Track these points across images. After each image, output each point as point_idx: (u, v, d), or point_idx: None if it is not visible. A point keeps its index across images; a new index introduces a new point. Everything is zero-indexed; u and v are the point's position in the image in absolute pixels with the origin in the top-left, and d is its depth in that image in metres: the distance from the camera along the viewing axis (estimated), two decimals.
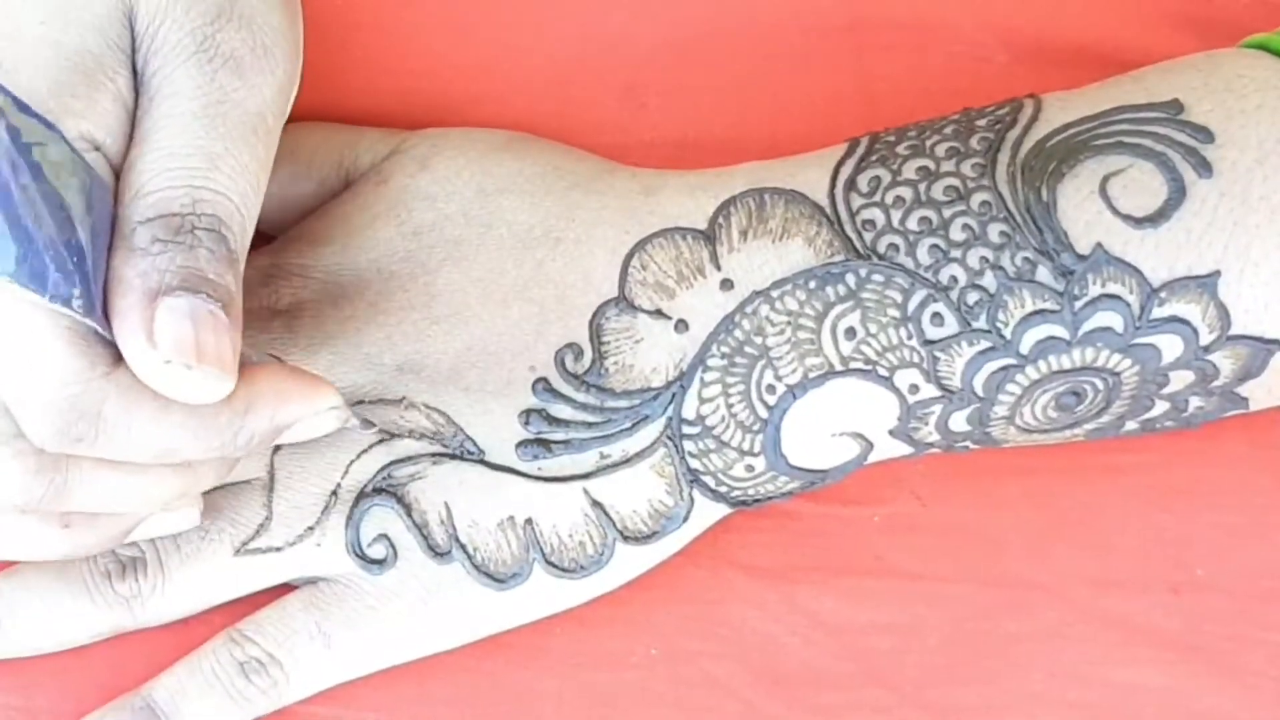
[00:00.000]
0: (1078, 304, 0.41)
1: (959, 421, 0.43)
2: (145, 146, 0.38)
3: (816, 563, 0.46)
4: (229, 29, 0.39)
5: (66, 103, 0.37)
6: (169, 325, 0.36)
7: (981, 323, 0.42)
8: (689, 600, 0.45)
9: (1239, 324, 0.41)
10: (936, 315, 0.42)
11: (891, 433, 0.43)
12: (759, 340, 0.43)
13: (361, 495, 0.43)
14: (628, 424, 0.43)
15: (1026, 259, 0.41)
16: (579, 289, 0.44)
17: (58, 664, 0.44)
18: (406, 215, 0.45)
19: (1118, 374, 0.42)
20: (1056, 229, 0.41)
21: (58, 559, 0.41)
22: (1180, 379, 0.42)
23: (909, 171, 0.43)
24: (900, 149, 0.43)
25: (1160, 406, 0.43)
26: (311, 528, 0.43)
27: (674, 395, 0.43)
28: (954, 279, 0.42)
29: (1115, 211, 0.41)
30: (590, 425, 0.43)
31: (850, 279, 0.42)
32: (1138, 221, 0.41)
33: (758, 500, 0.44)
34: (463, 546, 0.43)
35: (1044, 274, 0.41)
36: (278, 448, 0.44)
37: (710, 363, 0.43)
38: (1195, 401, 0.43)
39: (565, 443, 0.43)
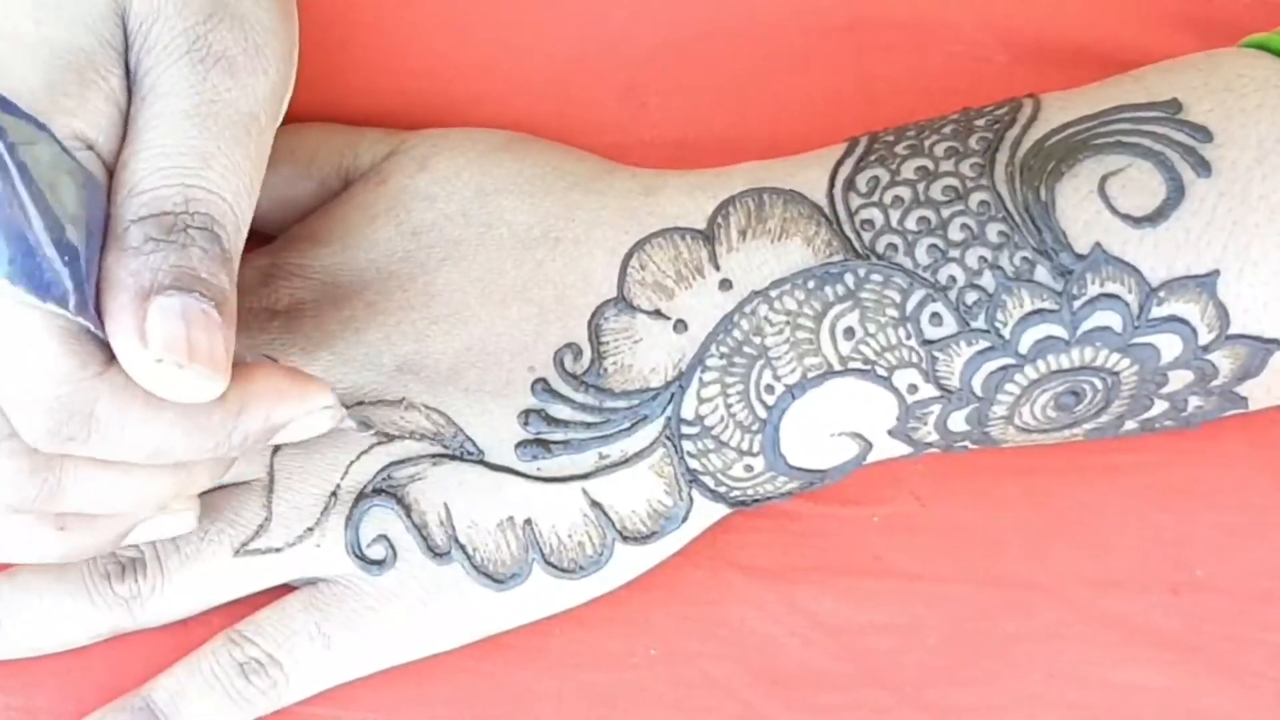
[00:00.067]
0: (1076, 303, 0.41)
1: (958, 421, 0.43)
2: (138, 145, 0.38)
3: (815, 563, 0.46)
4: (221, 28, 0.39)
5: (58, 101, 0.37)
6: (161, 324, 0.36)
7: (980, 322, 0.42)
8: (688, 601, 0.45)
9: (1238, 323, 0.41)
10: (935, 315, 0.42)
11: (890, 433, 0.43)
12: (758, 340, 0.43)
13: (361, 496, 0.43)
14: (627, 424, 0.43)
15: (1025, 258, 0.41)
16: (578, 289, 0.44)
17: (58, 665, 0.44)
18: (406, 215, 0.45)
19: (1116, 373, 0.42)
20: (1055, 228, 0.41)
21: (55, 561, 0.41)
22: (1179, 378, 0.42)
23: (908, 171, 0.43)
24: (899, 149, 0.43)
25: (1159, 406, 0.43)
26: (311, 528, 0.43)
27: (673, 395, 0.43)
28: (953, 279, 0.42)
29: (1114, 211, 0.41)
30: (589, 425, 0.43)
31: (849, 279, 0.42)
32: (1136, 221, 0.41)
33: (757, 500, 0.44)
34: (462, 547, 0.43)
35: (1042, 273, 0.41)
36: (277, 448, 0.44)
37: (709, 363, 0.43)
38: (1194, 401, 0.43)
39: (564, 443, 0.43)
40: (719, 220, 0.44)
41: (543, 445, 0.43)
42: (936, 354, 0.42)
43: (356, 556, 0.43)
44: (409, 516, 0.43)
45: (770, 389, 0.43)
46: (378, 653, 0.44)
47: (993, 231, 0.42)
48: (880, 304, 0.42)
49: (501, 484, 0.43)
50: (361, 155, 0.47)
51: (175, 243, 0.37)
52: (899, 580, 0.45)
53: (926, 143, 0.43)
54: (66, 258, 0.35)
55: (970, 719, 0.44)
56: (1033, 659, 0.45)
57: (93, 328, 0.36)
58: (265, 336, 0.44)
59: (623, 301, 0.43)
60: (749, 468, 0.43)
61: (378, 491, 0.43)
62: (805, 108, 0.49)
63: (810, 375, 0.43)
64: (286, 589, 0.44)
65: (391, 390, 0.44)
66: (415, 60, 0.49)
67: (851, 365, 0.43)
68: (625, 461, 0.43)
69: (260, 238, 0.47)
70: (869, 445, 0.44)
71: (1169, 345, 0.41)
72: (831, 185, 0.43)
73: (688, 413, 0.43)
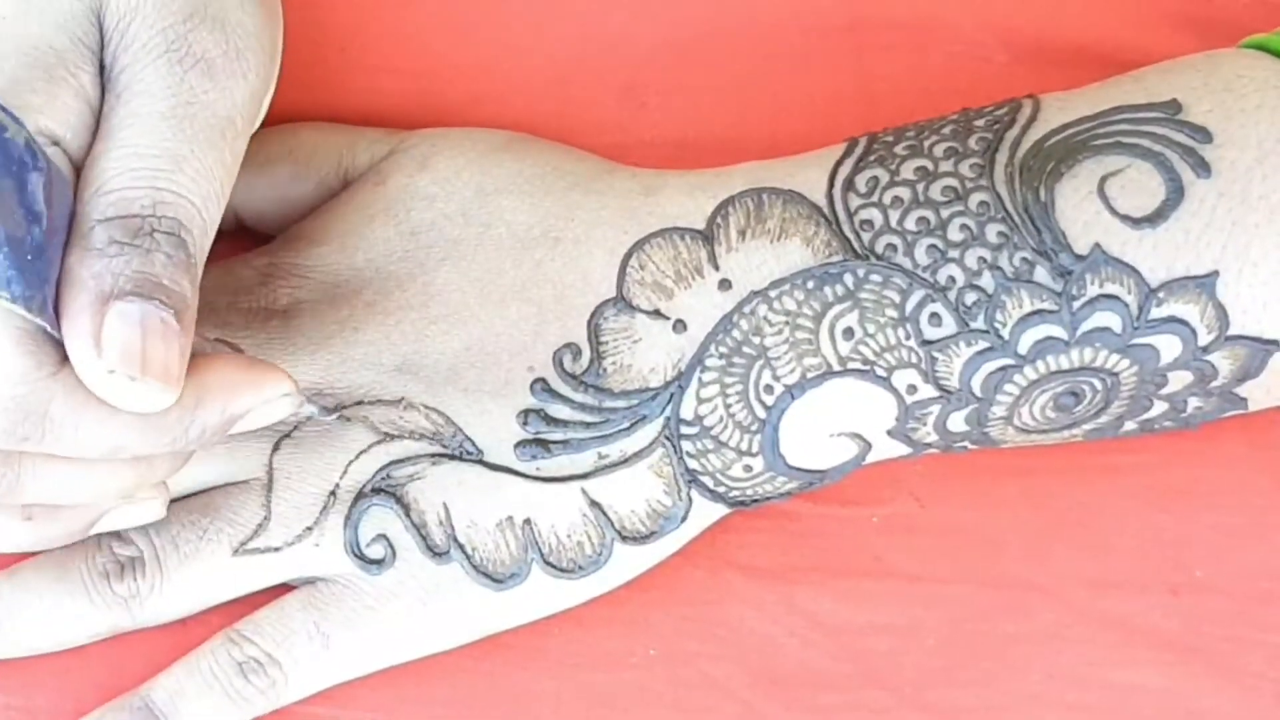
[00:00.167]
0: (1076, 304, 0.41)
1: (957, 422, 0.43)
2: (109, 143, 0.37)
3: (815, 563, 0.46)
4: (201, 30, 0.39)
5: (25, 98, 0.37)
6: (118, 330, 0.35)
7: (979, 323, 0.42)
8: (687, 601, 0.45)
9: (1237, 324, 0.41)
10: (934, 315, 0.42)
11: (889, 433, 0.43)
12: (757, 340, 0.43)
13: (360, 495, 0.43)
14: (626, 424, 0.43)
15: (1024, 259, 0.41)
16: (577, 289, 0.44)
17: (57, 664, 0.44)
18: (405, 215, 0.45)
19: (1116, 374, 0.42)
20: (1054, 229, 0.41)
21: (26, 549, 0.41)
22: (1179, 379, 0.42)
23: (907, 172, 0.43)
24: (898, 149, 0.43)
25: (1159, 407, 0.43)
26: (310, 528, 0.43)
27: (672, 395, 0.43)
28: (952, 279, 0.42)
29: (1113, 212, 0.41)
30: (588, 425, 0.43)
31: (848, 279, 0.42)
32: (1136, 222, 0.41)
33: (756, 500, 0.44)
34: (461, 547, 0.43)
35: (1042, 274, 0.41)
36: (276, 447, 0.44)
37: (708, 363, 0.43)
38: (1194, 402, 0.43)
39: (563, 443, 0.43)
40: (718, 220, 0.44)
41: (542, 445, 0.43)
42: (936, 354, 0.42)
43: (355, 556, 0.43)
44: (408, 516, 0.43)
45: (769, 389, 0.43)
46: (376, 652, 0.44)
47: (992, 232, 0.42)
48: (879, 304, 0.42)
49: (500, 484, 0.43)
50: (360, 155, 0.47)
51: (140, 247, 0.36)
52: (898, 581, 0.45)
53: (926, 143, 0.43)
54: (29, 256, 0.34)
55: (969, 719, 0.44)
56: (1032, 660, 0.45)
57: (50, 328, 0.35)
58: (263, 336, 0.44)
59: (622, 301, 0.43)
60: (748, 468, 0.43)
61: (377, 491, 0.43)
62: (805, 108, 0.49)
63: (809, 375, 0.43)
64: (285, 588, 0.44)
65: (390, 390, 0.44)
66: (415, 60, 0.49)
67: (851, 365, 0.42)
68: (624, 461, 0.43)
69: (259, 237, 0.47)
70: (868, 445, 0.44)
71: (1168, 346, 0.41)
72: (831, 185, 0.43)
73: (687, 413, 0.43)
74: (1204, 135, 0.41)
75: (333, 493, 0.43)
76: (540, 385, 0.43)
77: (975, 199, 0.42)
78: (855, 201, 0.43)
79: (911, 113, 0.45)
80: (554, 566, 0.43)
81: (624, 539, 0.44)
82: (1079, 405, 0.42)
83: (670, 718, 0.44)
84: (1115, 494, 0.46)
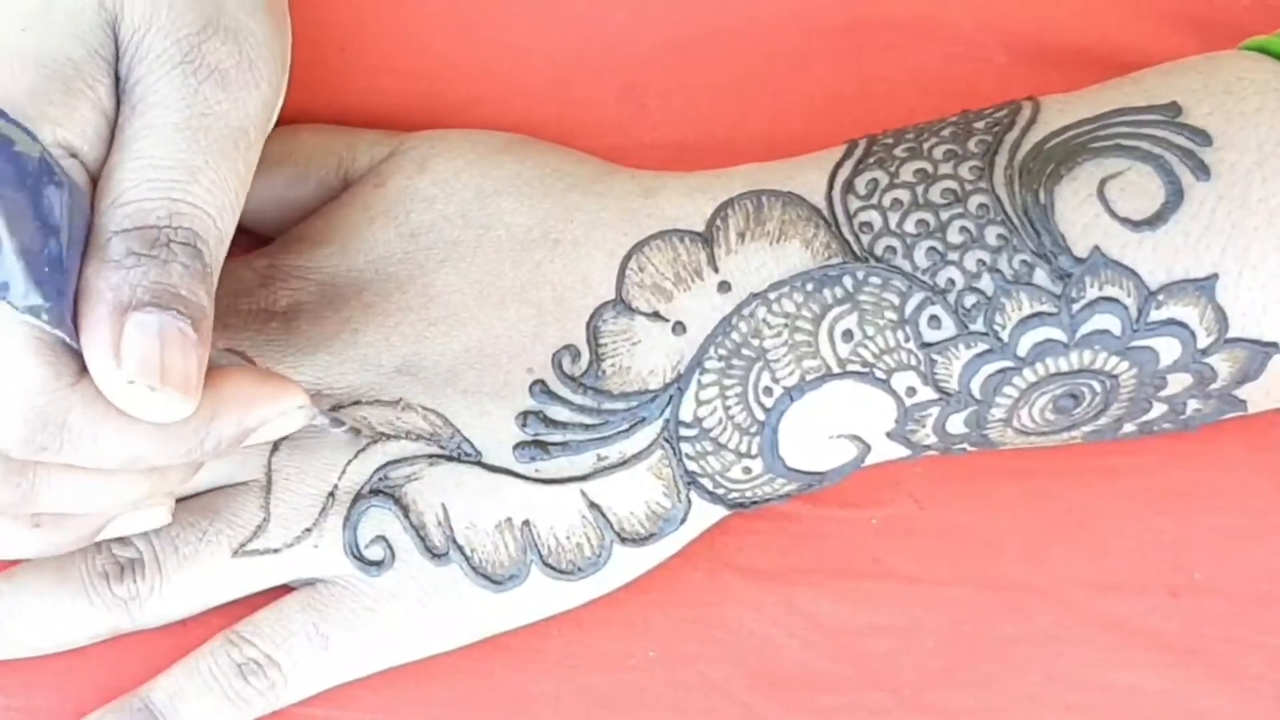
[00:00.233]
0: (1075, 307, 0.41)
1: (956, 424, 0.43)
2: (125, 155, 0.38)
3: (814, 565, 0.46)
4: (215, 41, 0.39)
5: (43, 110, 0.37)
6: (136, 341, 0.36)
7: (979, 325, 0.41)
8: (686, 602, 0.45)
9: (1237, 327, 0.41)
10: (934, 318, 0.42)
11: (889, 435, 0.43)
12: (756, 342, 0.43)
13: (359, 497, 0.43)
14: (625, 426, 0.43)
15: (1024, 261, 0.41)
16: (577, 291, 0.44)
17: (57, 665, 0.44)
18: (405, 217, 0.45)
19: (1115, 376, 0.42)
20: (1054, 231, 0.41)
21: (31, 556, 0.41)
22: (1178, 382, 0.42)
23: (907, 174, 0.43)
24: (898, 151, 0.43)
25: (1158, 409, 0.43)
26: (309, 529, 0.43)
27: (671, 397, 0.43)
28: (951, 281, 0.42)
29: (1113, 214, 0.41)
30: (587, 427, 0.43)
31: (847, 281, 0.42)
32: (1135, 224, 0.41)
33: (755, 502, 0.44)
34: (460, 548, 0.43)
35: (1041, 276, 0.41)
36: (275, 449, 0.44)
37: (707, 365, 0.43)
38: (1193, 404, 0.43)
39: (562, 444, 0.43)
40: (718, 222, 0.44)
41: (541, 447, 0.43)
42: (935, 356, 0.42)
43: (355, 557, 0.43)
44: (407, 517, 0.43)
45: (769, 391, 0.43)
46: (376, 654, 0.44)
47: (991, 234, 0.41)
48: (879, 306, 0.42)
49: (499, 485, 0.43)
50: (360, 157, 0.47)
51: (157, 258, 0.36)
52: (897, 582, 0.45)
53: (925, 145, 0.43)
54: (47, 268, 0.34)
55: None
56: (1031, 661, 0.45)
57: (68, 339, 0.36)
58: (263, 337, 0.44)
59: (621, 303, 0.43)
60: (747, 470, 0.43)
61: (375, 492, 0.43)
62: (805, 108, 0.49)
63: (809, 377, 0.43)
64: (285, 590, 0.44)
65: (389, 391, 0.44)
66: (415, 60, 0.49)
67: (850, 368, 0.42)
68: (624, 463, 0.43)
69: (259, 239, 0.47)
70: (867, 447, 0.44)
71: (1168, 348, 0.41)
72: (830, 187, 0.43)
73: (686, 415, 0.43)
74: (1204, 138, 0.41)
75: (331, 494, 0.44)
76: (539, 387, 0.43)
77: (975, 201, 0.42)
78: (855, 204, 0.43)
79: (911, 113, 0.45)
80: (553, 568, 0.43)
81: (623, 541, 0.44)
82: (1078, 407, 0.42)
83: (670, 719, 0.44)
84: (1114, 496, 0.46)
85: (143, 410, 0.36)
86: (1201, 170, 0.41)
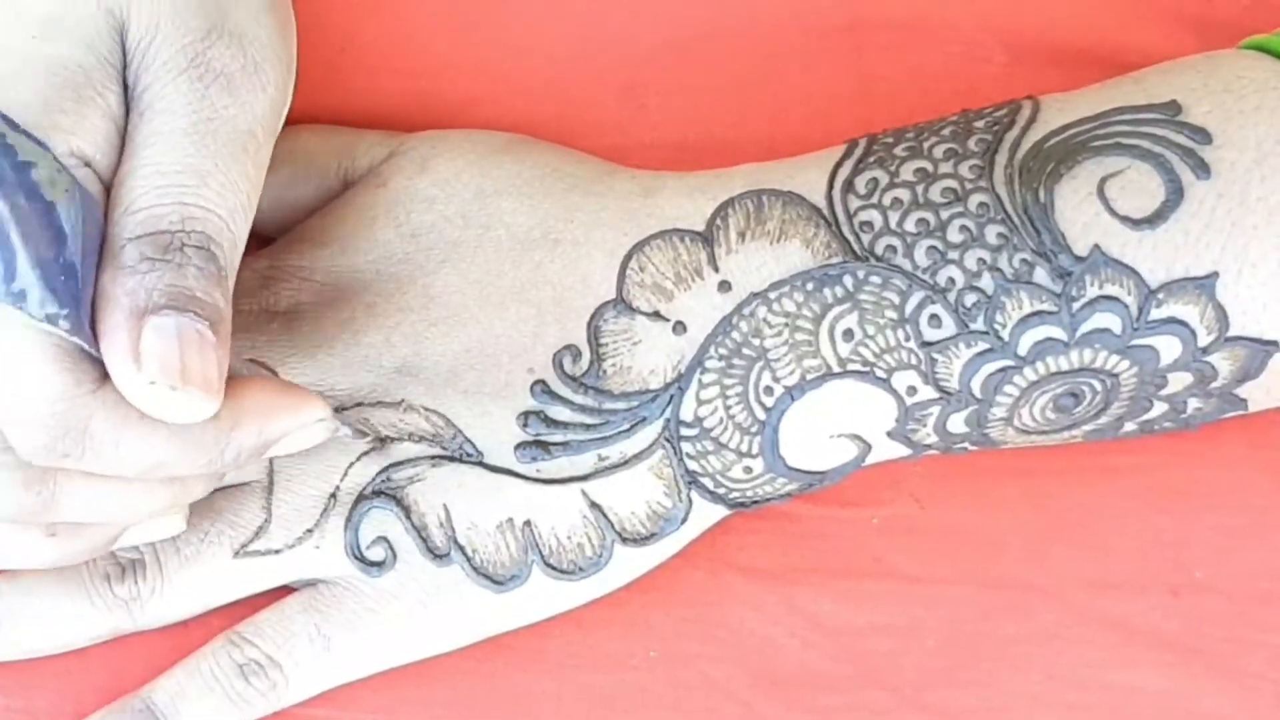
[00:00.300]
0: (1075, 305, 0.41)
1: (957, 423, 0.43)
2: (135, 162, 0.38)
3: (815, 565, 0.46)
4: (220, 45, 0.39)
5: (56, 119, 0.37)
6: (155, 344, 0.36)
7: (979, 324, 0.42)
8: (687, 602, 0.45)
9: (1237, 325, 0.41)
10: (934, 317, 0.42)
11: (889, 434, 0.43)
12: (756, 342, 0.43)
13: (360, 497, 0.43)
14: (626, 426, 0.43)
15: (1024, 260, 0.41)
16: (577, 291, 0.44)
17: (58, 666, 0.44)
18: (405, 217, 0.45)
19: (1116, 375, 0.42)
20: (1054, 230, 0.41)
21: (47, 566, 0.41)
22: (1178, 380, 0.42)
23: (907, 173, 0.43)
24: (898, 150, 0.43)
25: (1158, 408, 0.43)
26: (310, 530, 0.44)
27: (672, 397, 0.43)
28: (951, 280, 0.42)
29: (1113, 213, 0.41)
30: (588, 427, 0.43)
31: (848, 280, 0.42)
32: (1135, 223, 0.41)
33: (756, 502, 0.44)
34: (461, 548, 0.43)
35: (1042, 275, 0.41)
36: None
37: (708, 364, 0.43)
38: (1194, 403, 0.43)
39: (563, 445, 0.43)
40: (718, 222, 0.44)
41: (542, 447, 0.43)
42: (935, 356, 0.42)
43: (356, 558, 0.43)
44: (408, 518, 0.43)
45: (769, 390, 0.43)
46: (377, 654, 0.44)
47: (992, 233, 0.41)
48: (879, 306, 0.42)
49: (501, 485, 0.43)
50: (360, 157, 0.47)
51: (171, 262, 0.37)
52: (898, 582, 0.45)
53: (925, 144, 0.43)
54: (64, 276, 0.35)
55: None
56: (1032, 661, 0.45)
57: (87, 346, 0.36)
58: (264, 338, 0.44)
59: (622, 303, 0.43)
60: (748, 469, 0.43)
61: (377, 493, 0.43)
62: (805, 108, 0.49)
63: (809, 377, 0.43)
64: (286, 590, 0.44)
65: (390, 392, 0.44)
66: (415, 60, 0.49)
67: (850, 367, 0.42)
68: (624, 463, 0.43)
69: (259, 239, 0.47)
70: (868, 447, 0.44)
71: (1168, 347, 0.41)
72: (830, 187, 0.43)
73: (687, 414, 0.43)
74: (1203, 136, 0.41)
75: (333, 495, 0.44)
76: (540, 387, 0.43)
77: (975, 200, 0.42)
78: (855, 203, 0.43)
79: (911, 113, 0.45)
80: (554, 568, 0.43)
81: (624, 540, 0.44)
82: (1079, 406, 0.42)
83: (671, 719, 0.44)
84: (1115, 495, 0.46)
85: (165, 411, 0.36)
86: (1201, 168, 0.41)
